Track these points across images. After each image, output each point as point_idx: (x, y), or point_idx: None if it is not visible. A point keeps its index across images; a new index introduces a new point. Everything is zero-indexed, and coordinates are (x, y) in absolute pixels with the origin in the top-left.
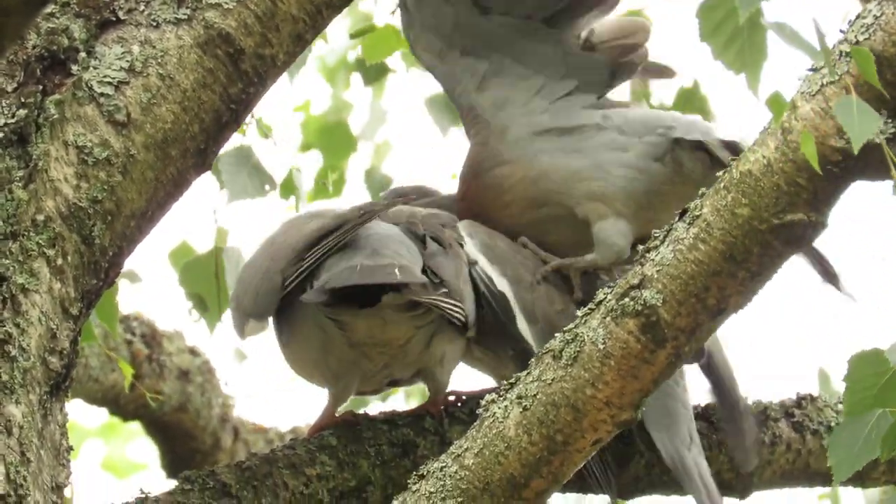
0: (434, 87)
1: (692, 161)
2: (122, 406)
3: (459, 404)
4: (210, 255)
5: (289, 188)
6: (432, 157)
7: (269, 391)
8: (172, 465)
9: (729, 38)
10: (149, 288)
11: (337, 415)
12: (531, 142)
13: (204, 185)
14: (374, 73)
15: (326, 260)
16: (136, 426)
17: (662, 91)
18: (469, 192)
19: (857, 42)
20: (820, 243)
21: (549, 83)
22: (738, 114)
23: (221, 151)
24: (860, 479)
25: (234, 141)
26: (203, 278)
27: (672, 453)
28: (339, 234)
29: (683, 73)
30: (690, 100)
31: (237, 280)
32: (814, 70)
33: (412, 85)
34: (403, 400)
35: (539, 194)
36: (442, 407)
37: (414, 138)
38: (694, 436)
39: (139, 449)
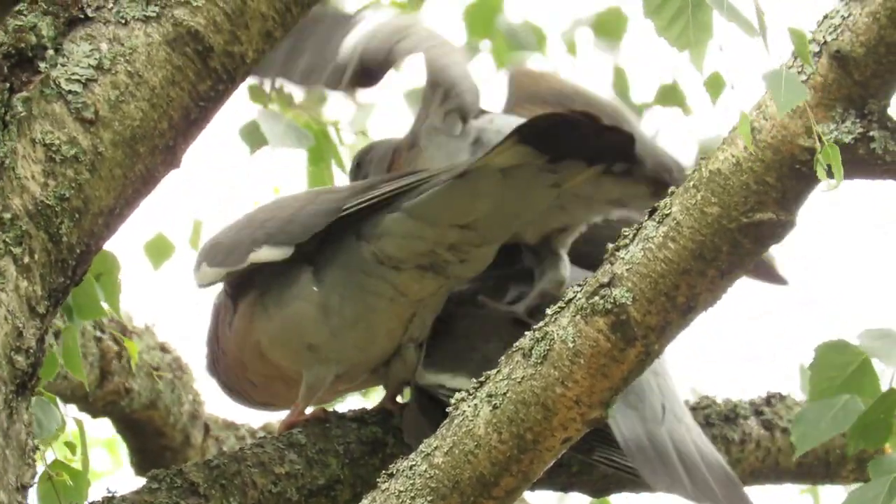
0: (413, 81)
1: None
2: (92, 403)
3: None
4: None
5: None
6: None
7: None
8: (142, 462)
9: (673, 15)
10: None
11: (307, 412)
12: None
13: (177, 179)
14: None
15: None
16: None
17: (642, 89)
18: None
19: (825, 42)
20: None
21: None
22: (716, 109)
23: (258, 109)
24: (828, 476)
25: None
26: None
27: (629, 435)
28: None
29: (662, 69)
30: (670, 96)
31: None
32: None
33: (391, 79)
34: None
35: None
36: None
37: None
38: (672, 409)
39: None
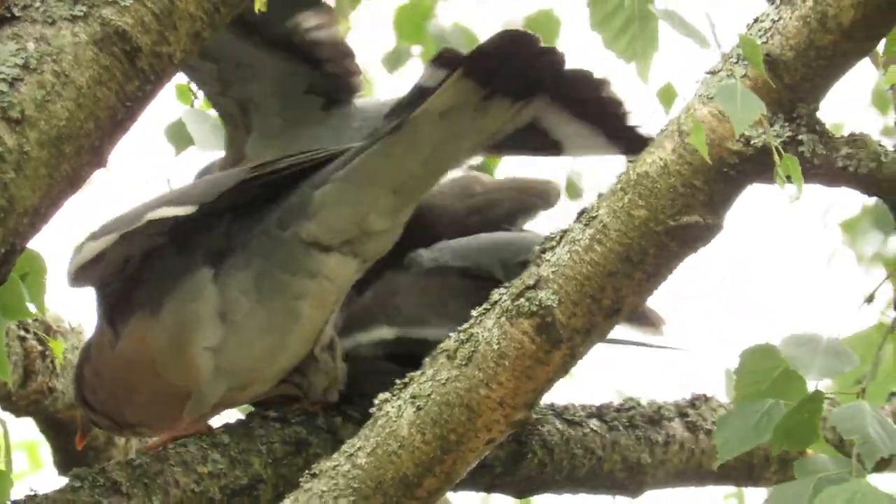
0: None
1: None
2: (14, 403)
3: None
4: None
5: None
6: None
7: None
8: (65, 462)
9: (620, 27)
10: (50, 284)
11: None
12: None
13: (103, 180)
14: None
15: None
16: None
17: None
18: None
19: None
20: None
21: None
22: (648, 110)
23: (184, 109)
24: (752, 478)
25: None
26: None
27: None
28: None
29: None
30: None
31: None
32: (712, 73)
33: None
34: None
35: None
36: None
37: None
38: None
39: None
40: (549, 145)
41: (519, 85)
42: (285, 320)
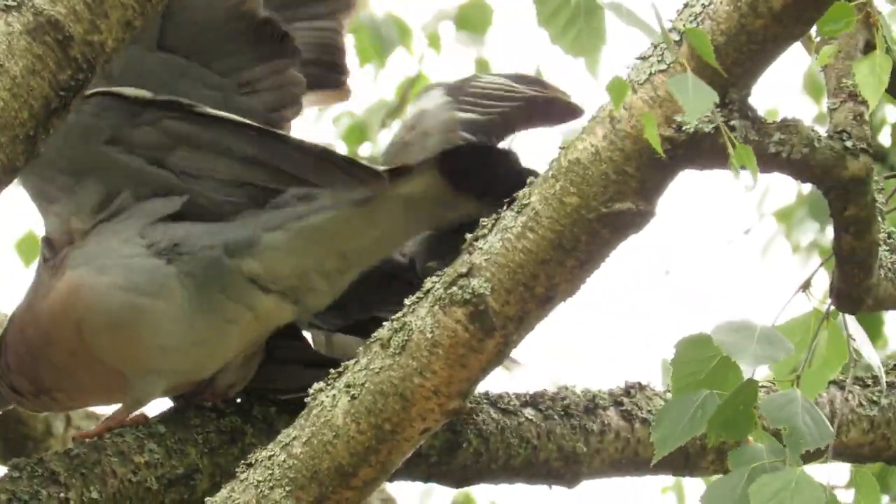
0: None
1: None
2: None
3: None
4: None
5: None
6: None
7: None
8: (4, 452)
9: (567, 22)
10: None
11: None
12: None
13: None
14: None
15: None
16: None
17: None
18: None
19: (685, 31)
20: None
21: None
22: (582, 99)
23: None
24: (688, 467)
25: None
26: None
27: None
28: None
29: (526, 60)
30: None
31: None
32: (642, 59)
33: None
34: None
35: None
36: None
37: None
38: None
39: None
40: None
41: (489, 190)
42: (216, 337)
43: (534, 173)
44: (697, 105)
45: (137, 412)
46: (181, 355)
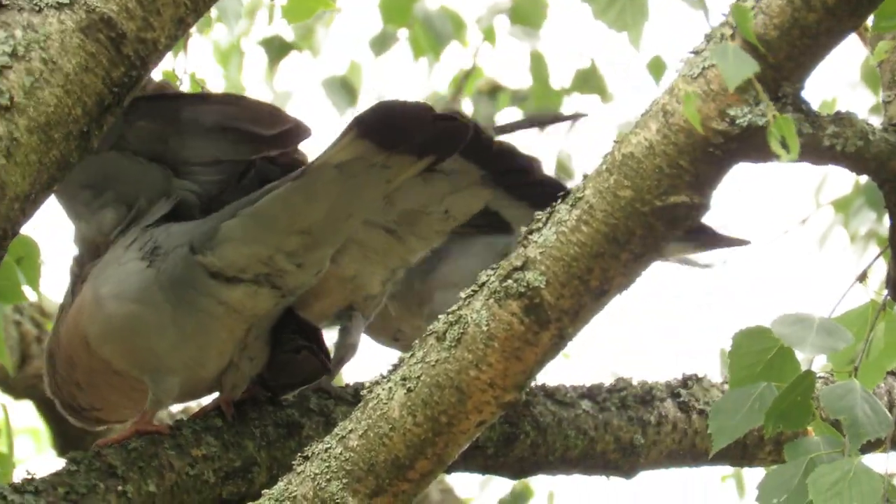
0: (331, 69)
1: None
2: (13, 386)
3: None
4: None
5: None
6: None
7: None
8: (64, 446)
9: None
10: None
11: (157, 422)
12: None
13: None
14: (277, 51)
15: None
16: None
17: (560, 73)
18: None
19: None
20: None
21: None
22: (634, 94)
23: None
24: (746, 457)
25: None
26: None
27: None
28: None
29: (581, 54)
30: (588, 81)
31: None
32: (695, 53)
33: (309, 67)
34: None
35: None
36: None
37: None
38: None
39: None
40: (503, 226)
41: (416, 145)
42: (200, 332)
43: (454, 119)
44: (737, 71)
45: (160, 422)
46: (175, 353)
